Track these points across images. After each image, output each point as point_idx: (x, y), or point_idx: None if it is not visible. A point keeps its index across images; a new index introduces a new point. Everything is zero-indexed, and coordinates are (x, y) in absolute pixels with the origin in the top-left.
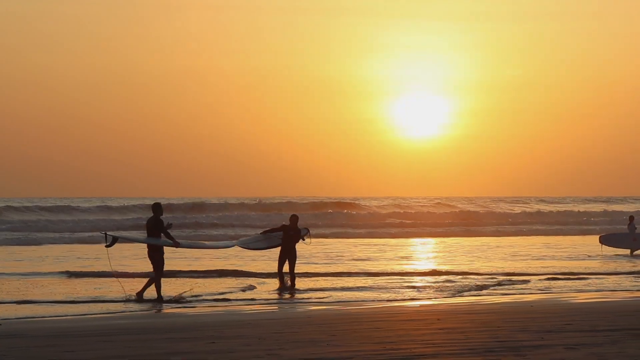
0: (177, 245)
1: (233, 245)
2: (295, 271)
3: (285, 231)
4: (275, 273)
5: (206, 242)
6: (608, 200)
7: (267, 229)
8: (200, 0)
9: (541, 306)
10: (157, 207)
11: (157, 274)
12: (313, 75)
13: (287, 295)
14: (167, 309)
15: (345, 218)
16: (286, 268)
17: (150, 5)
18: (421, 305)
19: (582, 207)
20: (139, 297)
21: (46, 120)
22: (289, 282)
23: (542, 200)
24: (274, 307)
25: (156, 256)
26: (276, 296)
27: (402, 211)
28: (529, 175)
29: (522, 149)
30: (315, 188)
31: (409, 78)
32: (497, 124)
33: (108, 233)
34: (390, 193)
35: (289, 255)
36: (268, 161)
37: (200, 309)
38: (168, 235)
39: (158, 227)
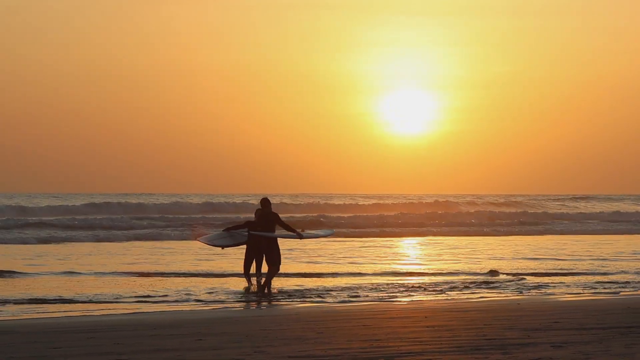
0: (300, 236)
1: (333, 233)
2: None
3: (251, 228)
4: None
5: (319, 232)
6: (609, 198)
7: (230, 225)
8: None
9: (528, 304)
10: (267, 202)
11: (275, 268)
12: (301, 70)
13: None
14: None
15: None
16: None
17: (138, 0)
18: (409, 303)
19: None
20: (268, 293)
21: (31, 113)
22: (254, 286)
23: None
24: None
25: (276, 250)
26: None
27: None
28: (518, 172)
29: (510, 146)
30: (303, 184)
31: (396, 74)
32: (485, 120)
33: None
34: (377, 189)
35: (255, 254)
36: (255, 157)
37: (187, 307)
38: (289, 228)
39: (275, 220)
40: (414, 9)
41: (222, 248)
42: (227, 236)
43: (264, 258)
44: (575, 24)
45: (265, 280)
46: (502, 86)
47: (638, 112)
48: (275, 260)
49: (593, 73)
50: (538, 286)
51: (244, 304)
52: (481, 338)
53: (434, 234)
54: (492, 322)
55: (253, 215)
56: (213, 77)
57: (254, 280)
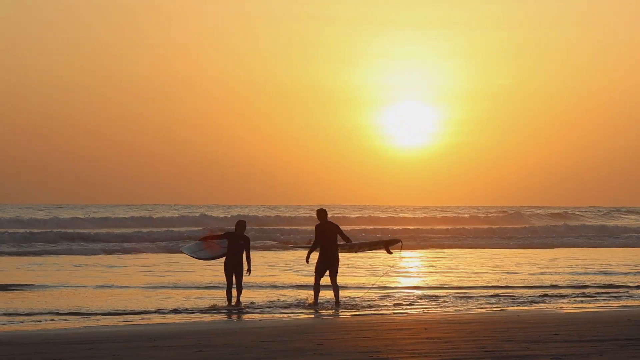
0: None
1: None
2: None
3: (231, 239)
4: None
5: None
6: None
7: (207, 235)
8: (192, 6)
9: (528, 316)
10: (325, 213)
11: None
12: (303, 82)
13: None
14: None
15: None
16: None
17: (142, 11)
18: (408, 315)
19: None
20: (338, 306)
21: (35, 123)
22: (235, 300)
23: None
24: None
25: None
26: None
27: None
28: (519, 184)
29: (512, 158)
30: (304, 195)
31: (398, 86)
32: (486, 132)
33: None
34: (379, 201)
35: (235, 267)
36: (256, 168)
37: (188, 318)
38: (349, 240)
39: (337, 231)
40: (415, 21)
41: (203, 260)
42: (208, 247)
43: (329, 272)
44: (576, 36)
45: (336, 295)
46: (504, 98)
47: None
48: (336, 272)
49: (594, 84)
50: None
51: (245, 315)
52: (481, 350)
53: (521, 247)
54: (492, 334)
55: (234, 227)
56: (215, 89)
57: (234, 292)
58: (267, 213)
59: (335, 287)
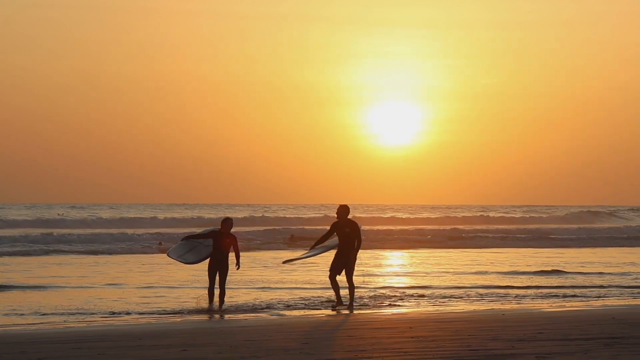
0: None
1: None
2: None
3: (216, 238)
4: None
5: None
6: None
7: (191, 234)
8: (180, 6)
9: (513, 315)
10: (348, 209)
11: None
12: (290, 82)
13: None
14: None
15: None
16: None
17: (130, 11)
18: (393, 314)
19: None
20: (351, 308)
21: (23, 122)
22: (217, 300)
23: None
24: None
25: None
26: None
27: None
28: (503, 183)
29: (496, 157)
30: (291, 194)
31: (384, 86)
32: (471, 131)
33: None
34: (364, 200)
35: (219, 266)
36: (243, 167)
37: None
38: (359, 244)
39: (358, 231)
40: (401, 21)
41: (190, 264)
42: (192, 248)
43: (344, 272)
44: (560, 36)
45: (351, 296)
46: (489, 98)
47: (624, 122)
48: (352, 273)
49: (578, 84)
50: None
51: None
52: (466, 349)
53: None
54: (477, 333)
55: (219, 226)
56: (203, 88)
57: (216, 292)
58: (256, 212)
59: (352, 286)
